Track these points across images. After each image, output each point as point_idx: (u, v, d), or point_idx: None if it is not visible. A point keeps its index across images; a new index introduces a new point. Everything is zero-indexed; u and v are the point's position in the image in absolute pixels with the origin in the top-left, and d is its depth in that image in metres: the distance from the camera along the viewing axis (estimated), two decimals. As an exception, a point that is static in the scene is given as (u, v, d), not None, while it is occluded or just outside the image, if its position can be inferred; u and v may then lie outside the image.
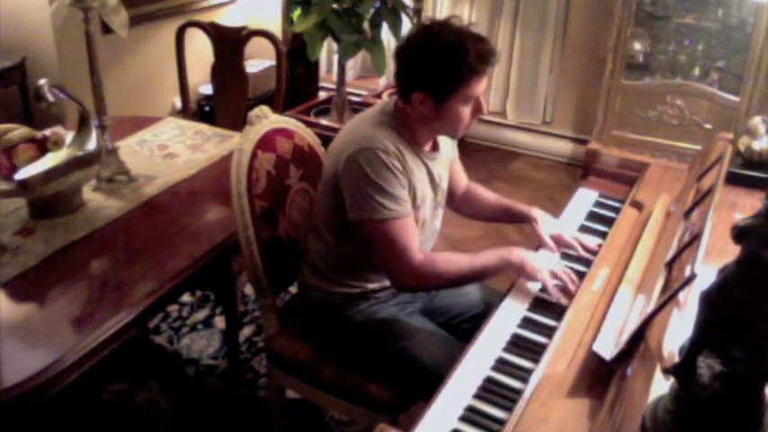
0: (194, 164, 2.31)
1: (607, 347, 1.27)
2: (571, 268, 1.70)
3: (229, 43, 2.93)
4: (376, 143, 1.59)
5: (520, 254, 1.65)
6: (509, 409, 1.26)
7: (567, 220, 1.97)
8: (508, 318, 1.56)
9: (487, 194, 1.98)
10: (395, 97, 1.69)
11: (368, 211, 1.58)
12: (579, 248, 1.77)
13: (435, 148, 1.76)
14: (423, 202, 1.71)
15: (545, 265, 1.62)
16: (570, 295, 1.57)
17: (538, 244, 1.83)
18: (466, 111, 1.61)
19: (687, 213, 1.59)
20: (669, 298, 1.19)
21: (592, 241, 1.81)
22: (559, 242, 1.80)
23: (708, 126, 3.56)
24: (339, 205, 1.65)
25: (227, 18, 4.11)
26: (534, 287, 1.66)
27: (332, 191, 1.67)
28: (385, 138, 1.60)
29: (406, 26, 3.73)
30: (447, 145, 1.82)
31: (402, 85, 1.62)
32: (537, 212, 1.86)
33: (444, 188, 1.82)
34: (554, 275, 1.61)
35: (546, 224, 1.83)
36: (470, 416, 1.28)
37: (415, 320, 1.74)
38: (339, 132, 1.73)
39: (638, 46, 3.75)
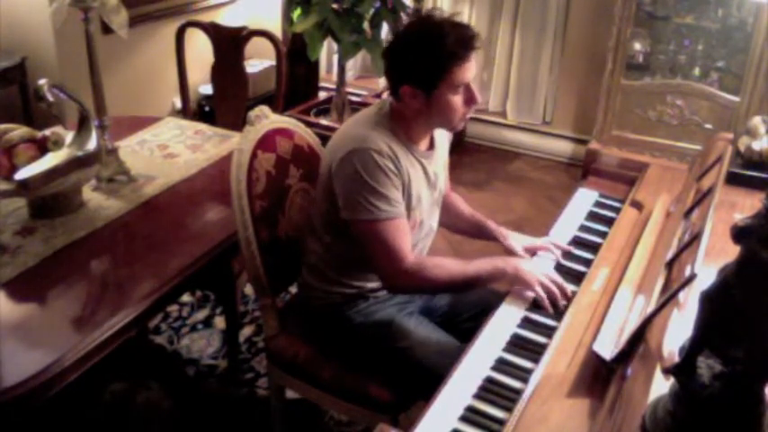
0: (194, 164, 2.30)
1: (607, 347, 1.27)
2: (570, 271, 1.70)
3: (229, 43, 2.93)
4: (370, 143, 1.59)
5: (515, 263, 1.64)
6: (509, 409, 1.26)
7: (567, 220, 1.97)
8: (508, 318, 1.55)
9: (463, 207, 1.99)
10: (391, 98, 1.70)
11: (360, 211, 1.58)
12: (553, 249, 1.79)
13: (431, 146, 1.76)
14: (418, 202, 1.71)
15: (540, 276, 1.61)
16: (558, 307, 1.57)
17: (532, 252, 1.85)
18: (457, 100, 1.61)
19: (687, 213, 1.59)
20: (669, 298, 1.19)
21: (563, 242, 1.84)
22: (535, 249, 1.82)
23: (708, 126, 3.56)
24: (334, 205, 1.65)
25: (227, 18, 4.11)
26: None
27: (327, 190, 1.67)
28: (379, 138, 1.61)
29: (406, 26, 3.73)
30: (443, 145, 1.83)
31: (390, 81, 1.64)
32: (505, 231, 1.90)
33: (441, 187, 1.82)
34: (546, 287, 1.59)
35: (516, 239, 1.86)
36: (470, 416, 1.28)
37: (414, 320, 1.74)
38: (335, 132, 1.73)
39: (638, 46, 3.74)
